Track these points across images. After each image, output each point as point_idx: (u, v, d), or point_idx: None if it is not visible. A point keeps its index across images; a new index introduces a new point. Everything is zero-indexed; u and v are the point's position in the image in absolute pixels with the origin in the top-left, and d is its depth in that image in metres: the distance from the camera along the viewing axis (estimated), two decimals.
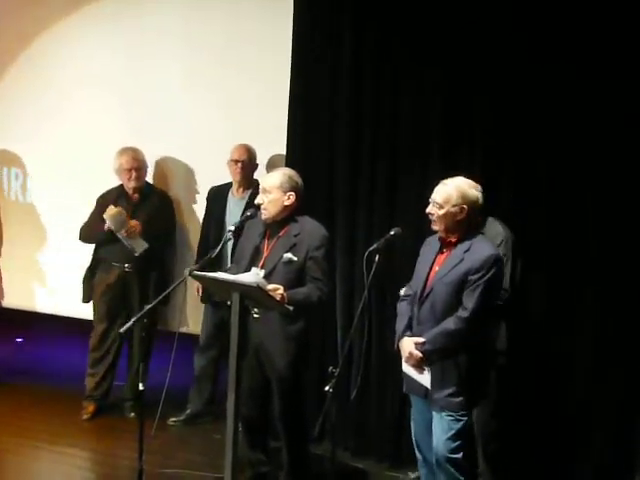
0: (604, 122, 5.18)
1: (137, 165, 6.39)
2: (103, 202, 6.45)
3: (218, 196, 6.28)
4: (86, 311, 6.65)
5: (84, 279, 6.58)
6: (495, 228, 5.05)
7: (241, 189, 6.21)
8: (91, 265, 6.54)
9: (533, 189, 5.39)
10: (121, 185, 6.48)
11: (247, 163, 6.17)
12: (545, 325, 5.39)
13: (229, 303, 5.80)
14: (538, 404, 5.40)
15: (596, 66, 5.16)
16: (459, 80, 5.49)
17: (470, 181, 4.54)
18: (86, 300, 6.59)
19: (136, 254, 6.32)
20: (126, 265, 6.34)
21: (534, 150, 5.37)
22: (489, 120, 5.45)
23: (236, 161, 6.16)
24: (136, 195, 6.43)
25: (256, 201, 5.10)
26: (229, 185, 6.27)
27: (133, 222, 6.28)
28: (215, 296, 6.01)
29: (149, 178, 6.60)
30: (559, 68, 5.24)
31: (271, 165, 6.23)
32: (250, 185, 6.17)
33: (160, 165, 6.75)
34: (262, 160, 6.29)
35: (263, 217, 5.09)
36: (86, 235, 6.53)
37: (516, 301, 5.19)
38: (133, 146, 6.45)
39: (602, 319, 5.29)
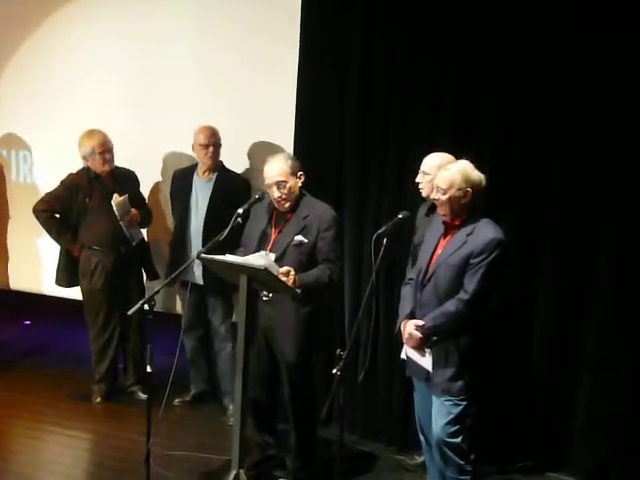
0: (619, 118, 5.18)
1: (109, 147, 6.26)
2: (70, 185, 6.34)
3: (183, 179, 6.25)
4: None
5: (62, 263, 6.52)
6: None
7: (206, 171, 6.18)
8: (67, 252, 6.50)
9: (545, 174, 5.39)
10: (86, 168, 6.34)
11: (217, 146, 6.12)
12: (551, 312, 5.42)
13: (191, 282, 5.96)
14: (538, 385, 5.46)
15: (608, 59, 5.17)
16: (471, 70, 5.47)
17: (471, 165, 4.53)
18: (66, 284, 6.56)
19: (134, 243, 6.33)
20: (121, 247, 6.31)
21: (545, 140, 5.37)
22: (499, 110, 5.44)
23: (206, 145, 6.10)
24: (109, 178, 6.31)
25: (274, 197, 5.06)
26: (194, 167, 6.25)
27: (134, 211, 6.26)
28: (183, 277, 5.97)
29: (157, 164, 6.59)
30: (571, 59, 5.26)
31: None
32: (216, 167, 6.17)
33: (167, 153, 6.73)
34: (271, 147, 6.24)
35: (283, 208, 5.08)
36: (43, 215, 6.40)
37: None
38: (98, 128, 6.31)
39: (608, 314, 5.31)
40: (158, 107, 6.73)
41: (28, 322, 8.20)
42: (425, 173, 5.01)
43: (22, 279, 7.39)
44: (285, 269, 4.83)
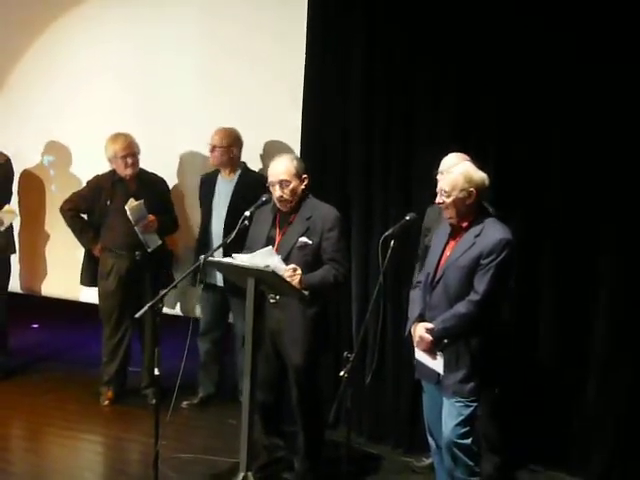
0: (619, 117, 5.19)
1: (133, 151, 6.28)
2: (95, 187, 6.39)
3: (207, 182, 6.32)
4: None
5: (85, 263, 6.58)
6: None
7: (227, 171, 6.23)
8: (90, 252, 6.54)
9: (545, 174, 5.40)
10: (112, 171, 6.38)
11: (225, 149, 6.14)
12: (554, 313, 5.42)
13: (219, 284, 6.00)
14: (543, 386, 5.46)
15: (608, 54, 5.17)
16: (474, 65, 5.48)
17: (474, 166, 4.54)
18: (88, 284, 6.60)
19: (149, 250, 6.31)
20: (137, 253, 6.32)
21: (549, 136, 5.37)
22: (503, 106, 5.45)
23: (213, 147, 6.17)
24: (133, 182, 6.34)
25: (276, 195, 5.05)
26: (218, 171, 6.29)
27: (151, 217, 6.25)
28: (207, 279, 6.04)
29: (156, 162, 6.53)
30: (572, 58, 5.26)
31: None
32: (237, 168, 6.21)
33: (172, 155, 6.73)
34: (274, 151, 6.26)
35: (284, 208, 5.07)
36: (68, 214, 6.47)
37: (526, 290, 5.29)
38: (124, 132, 6.33)
39: (612, 310, 5.31)
40: (162, 111, 6.73)
41: (36, 325, 8.22)
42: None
43: (56, 286, 7.31)
44: (291, 267, 4.84)
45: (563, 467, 5.49)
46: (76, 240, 6.59)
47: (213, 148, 6.16)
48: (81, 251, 6.64)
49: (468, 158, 4.84)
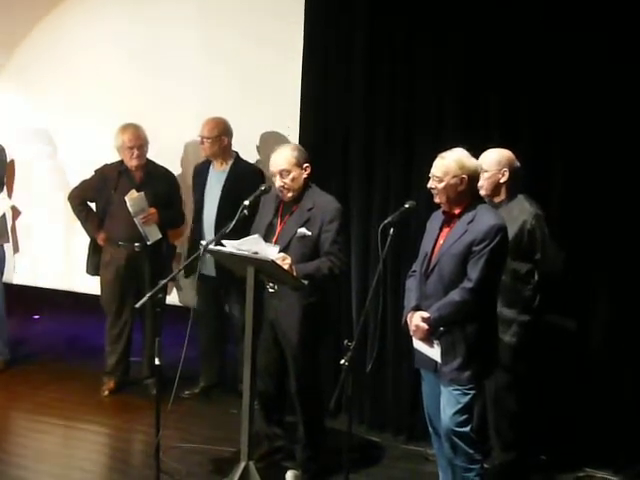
0: (623, 114, 5.20)
1: (139, 143, 6.28)
2: (102, 175, 6.40)
3: (200, 172, 6.30)
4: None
5: (90, 252, 6.57)
6: (522, 205, 5.03)
7: (219, 162, 6.22)
8: (95, 241, 6.54)
9: (549, 166, 5.40)
10: (120, 161, 6.38)
11: (215, 139, 6.13)
12: (565, 300, 5.40)
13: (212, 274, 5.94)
14: (556, 379, 5.42)
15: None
16: (475, 51, 5.49)
17: (467, 153, 4.53)
18: (93, 272, 6.59)
19: (149, 242, 6.30)
20: (136, 245, 6.32)
21: (551, 126, 5.37)
22: (505, 93, 5.45)
23: (202, 138, 6.16)
24: (139, 174, 6.35)
25: (277, 184, 5.06)
26: (211, 160, 6.27)
27: (152, 210, 6.24)
28: (201, 269, 5.95)
29: (159, 151, 6.50)
30: (576, 37, 5.25)
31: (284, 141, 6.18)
32: (229, 158, 6.19)
33: (173, 138, 6.68)
34: (277, 135, 6.27)
35: (286, 197, 5.07)
36: (75, 202, 6.50)
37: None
38: (134, 122, 6.33)
39: (620, 293, 5.32)
40: (162, 95, 6.71)
41: (37, 316, 8.23)
42: (484, 170, 4.98)
43: (49, 276, 7.32)
44: (280, 255, 4.82)
45: (582, 464, 5.44)
46: (69, 230, 6.56)
47: (203, 139, 6.16)
48: (75, 241, 6.62)
49: (511, 154, 4.94)
